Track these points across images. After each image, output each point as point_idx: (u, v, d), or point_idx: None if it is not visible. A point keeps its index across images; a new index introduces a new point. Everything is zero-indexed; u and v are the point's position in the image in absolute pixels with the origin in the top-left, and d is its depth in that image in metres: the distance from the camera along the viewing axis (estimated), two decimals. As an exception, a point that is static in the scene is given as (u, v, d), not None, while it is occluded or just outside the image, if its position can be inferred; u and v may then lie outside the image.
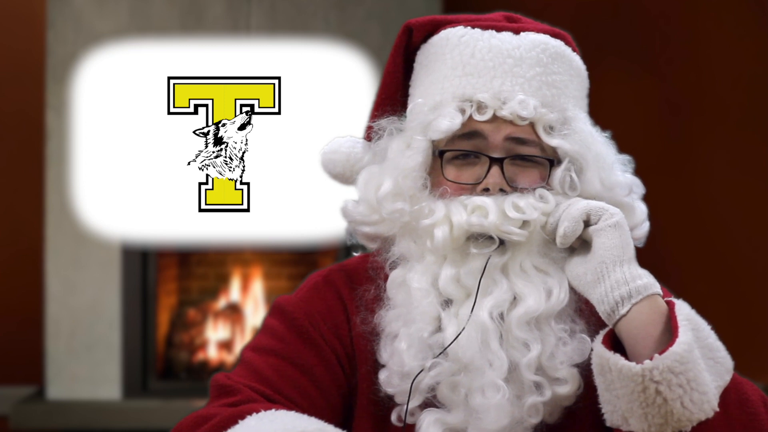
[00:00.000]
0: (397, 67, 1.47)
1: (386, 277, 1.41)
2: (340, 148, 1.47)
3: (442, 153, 1.38)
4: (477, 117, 1.36)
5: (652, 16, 4.63)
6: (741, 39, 4.48)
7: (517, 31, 1.41)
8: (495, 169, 1.36)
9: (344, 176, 1.47)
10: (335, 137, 1.49)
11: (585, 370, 1.33)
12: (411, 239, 1.39)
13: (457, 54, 1.40)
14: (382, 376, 1.37)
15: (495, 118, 1.36)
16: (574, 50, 1.45)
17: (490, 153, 1.36)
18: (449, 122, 1.36)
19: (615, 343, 1.30)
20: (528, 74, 1.38)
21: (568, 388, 1.33)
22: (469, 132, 1.37)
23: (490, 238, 1.34)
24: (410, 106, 1.43)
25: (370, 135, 1.47)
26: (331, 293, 1.44)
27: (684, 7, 4.58)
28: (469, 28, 1.42)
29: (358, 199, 1.44)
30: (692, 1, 4.58)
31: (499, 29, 1.41)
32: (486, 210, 1.33)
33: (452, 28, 1.43)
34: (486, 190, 1.35)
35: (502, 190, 1.35)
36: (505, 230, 1.33)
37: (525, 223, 1.34)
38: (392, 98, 1.47)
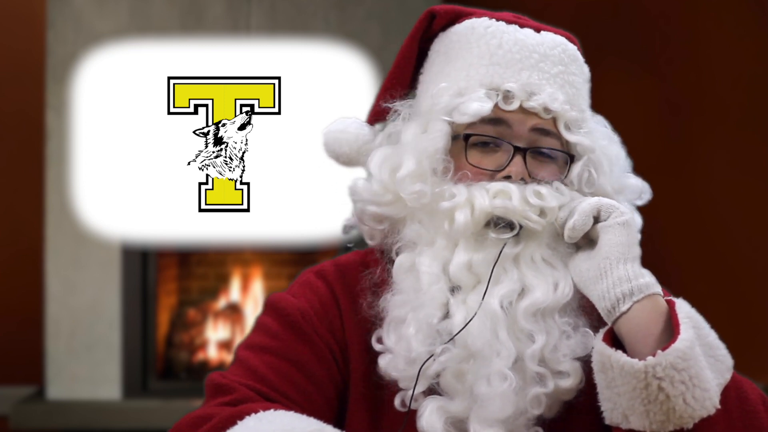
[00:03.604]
0: (413, 51, 1.47)
1: (391, 261, 1.41)
2: (348, 128, 1.47)
3: (467, 137, 1.38)
4: (503, 106, 1.37)
5: (652, 16, 4.63)
6: (741, 39, 4.48)
7: (537, 29, 1.44)
8: (518, 159, 1.37)
9: (349, 157, 1.47)
10: (339, 117, 1.49)
11: (586, 364, 1.33)
12: (421, 223, 1.39)
13: (484, 44, 1.41)
14: (384, 360, 1.37)
15: (521, 109, 1.38)
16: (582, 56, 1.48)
17: (514, 142, 1.37)
18: (479, 105, 1.36)
19: (615, 341, 1.30)
20: (552, 71, 1.40)
21: (570, 381, 1.33)
22: (495, 118, 1.38)
23: (508, 225, 1.35)
24: (433, 90, 1.42)
25: (373, 118, 1.47)
26: (324, 288, 1.44)
27: (684, 7, 4.58)
28: (494, 20, 1.43)
29: (371, 178, 1.43)
30: (692, 1, 4.58)
31: (521, 25, 1.44)
32: (509, 194, 1.34)
33: (477, 19, 1.44)
34: (507, 178, 1.36)
35: (522, 180, 1.36)
36: (526, 216, 1.34)
37: (542, 212, 1.35)
38: (404, 83, 1.47)
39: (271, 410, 1.28)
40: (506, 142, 1.37)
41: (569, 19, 4.36)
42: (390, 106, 1.45)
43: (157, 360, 4.68)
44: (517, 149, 1.37)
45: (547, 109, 1.37)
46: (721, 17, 4.52)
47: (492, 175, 1.37)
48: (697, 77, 4.53)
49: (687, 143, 4.56)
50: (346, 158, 1.47)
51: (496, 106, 1.38)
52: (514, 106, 1.37)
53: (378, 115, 1.47)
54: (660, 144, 4.56)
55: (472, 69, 1.40)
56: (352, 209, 1.47)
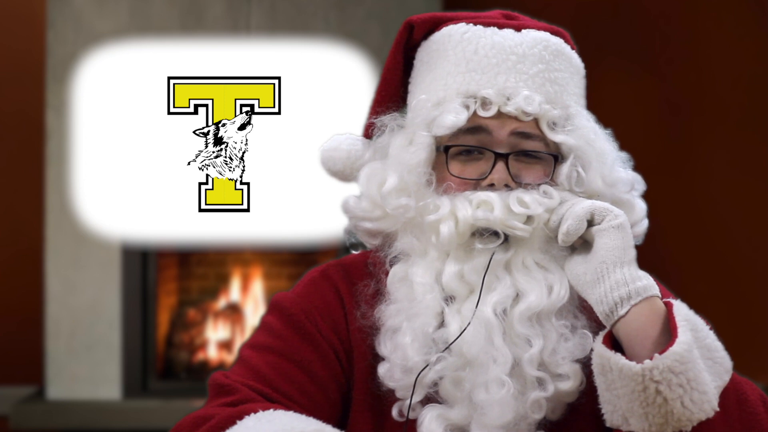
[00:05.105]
0: (397, 64, 1.47)
1: (386, 273, 1.41)
2: (340, 145, 1.47)
3: (447, 148, 1.38)
4: (481, 113, 1.37)
5: (652, 16, 4.63)
6: (741, 39, 4.48)
7: (518, 29, 1.42)
8: (500, 165, 1.36)
9: (344, 174, 1.47)
10: (334, 134, 1.49)
11: (586, 366, 1.33)
12: (413, 235, 1.39)
13: (460, 50, 1.40)
14: (382, 369, 1.37)
15: (499, 114, 1.37)
16: (572, 48, 1.46)
17: (495, 148, 1.37)
18: (454, 117, 1.36)
19: (615, 344, 1.30)
20: (531, 71, 1.39)
21: (570, 383, 1.33)
22: (473, 127, 1.37)
23: (495, 233, 1.35)
24: (413, 102, 1.43)
25: (369, 132, 1.47)
26: (328, 288, 1.44)
27: (684, 7, 4.58)
28: (471, 25, 1.42)
29: (360, 194, 1.44)
30: (692, 1, 4.58)
31: (500, 26, 1.42)
32: (491, 204, 1.34)
33: (454, 25, 1.43)
34: (491, 186, 1.36)
35: (506, 186, 1.35)
36: (510, 225, 1.33)
37: (529, 219, 1.34)
38: (392, 95, 1.47)
39: (271, 410, 1.28)
40: (487, 149, 1.37)
41: (569, 19, 4.36)
42: (377, 120, 1.45)
43: (157, 360, 4.68)
44: (498, 156, 1.36)
45: (525, 112, 1.36)
46: (721, 17, 4.51)
47: (476, 184, 1.37)
48: (697, 77, 4.53)
49: (687, 143, 4.56)
50: (341, 175, 1.48)
51: (474, 113, 1.37)
52: (492, 112, 1.36)
53: (371, 130, 1.47)
54: (660, 144, 4.56)
55: (449, 77, 1.40)
56: (345, 227, 1.47)
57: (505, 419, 1.31)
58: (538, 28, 1.44)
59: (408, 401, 1.35)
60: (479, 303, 1.33)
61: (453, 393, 1.34)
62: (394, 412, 1.37)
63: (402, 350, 1.35)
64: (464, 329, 1.32)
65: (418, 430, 1.35)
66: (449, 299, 1.36)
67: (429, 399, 1.36)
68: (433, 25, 1.46)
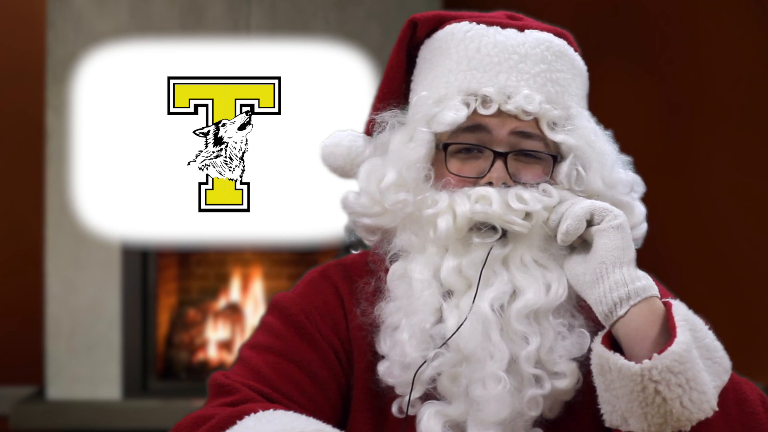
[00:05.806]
0: (400, 61, 1.47)
1: (386, 270, 1.41)
2: (341, 141, 1.47)
3: (446, 146, 1.38)
4: (481, 111, 1.37)
5: (652, 16, 4.63)
6: (741, 39, 4.48)
7: (521, 29, 1.42)
8: (499, 164, 1.36)
9: (344, 170, 1.48)
10: (336, 131, 1.49)
11: (584, 365, 1.34)
12: (412, 231, 1.40)
13: (463, 48, 1.40)
14: (382, 367, 1.37)
15: (500, 113, 1.37)
16: (575, 50, 1.46)
17: (494, 147, 1.37)
18: (454, 114, 1.36)
19: (614, 344, 1.30)
20: (533, 70, 1.39)
21: (567, 382, 1.33)
22: (473, 125, 1.37)
23: (493, 229, 1.35)
24: (414, 99, 1.43)
25: (370, 129, 1.48)
26: (328, 288, 1.44)
27: (684, 7, 4.58)
28: (474, 23, 1.43)
29: (360, 190, 1.44)
30: (692, 1, 4.58)
31: (503, 26, 1.43)
32: (489, 199, 1.34)
33: (457, 24, 1.44)
34: (489, 184, 1.36)
35: (505, 185, 1.36)
36: (508, 220, 1.33)
37: (528, 215, 1.34)
38: (394, 92, 1.48)
39: (271, 410, 1.29)
40: (486, 148, 1.37)
41: (569, 19, 4.36)
42: (378, 117, 1.45)
43: (157, 360, 4.68)
44: (497, 154, 1.36)
45: (525, 111, 1.36)
46: (721, 17, 4.51)
47: (475, 182, 1.37)
48: (697, 77, 4.53)
49: (687, 143, 4.56)
50: (342, 171, 1.48)
51: (475, 111, 1.37)
52: (492, 110, 1.37)
53: (372, 126, 1.47)
54: (660, 144, 4.56)
55: (451, 75, 1.40)
56: (345, 225, 1.47)
57: (502, 415, 1.31)
58: (542, 29, 1.44)
59: (407, 398, 1.35)
60: (476, 298, 1.33)
61: (450, 389, 1.34)
62: (394, 409, 1.37)
63: (400, 347, 1.35)
64: (461, 324, 1.32)
65: (417, 427, 1.35)
66: (448, 294, 1.36)
67: (428, 396, 1.36)
68: (437, 24, 1.46)
